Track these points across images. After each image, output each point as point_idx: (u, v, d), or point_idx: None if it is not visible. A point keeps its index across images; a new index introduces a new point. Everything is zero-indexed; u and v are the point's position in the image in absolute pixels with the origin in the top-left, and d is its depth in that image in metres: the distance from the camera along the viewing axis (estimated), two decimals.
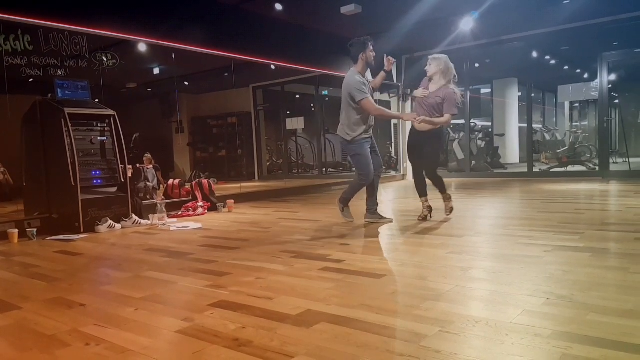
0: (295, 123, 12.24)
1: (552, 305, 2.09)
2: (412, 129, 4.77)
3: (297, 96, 13.17)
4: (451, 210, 4.92)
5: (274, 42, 8.02)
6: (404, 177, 11.23)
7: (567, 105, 16.81)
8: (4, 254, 3.98)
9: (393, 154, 12.23)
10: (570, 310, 2.01)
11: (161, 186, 7.84)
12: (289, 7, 7.49)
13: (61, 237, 4.63)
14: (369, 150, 4.59)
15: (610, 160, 9.94)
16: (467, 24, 8.32)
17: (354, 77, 4.43)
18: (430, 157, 4.79)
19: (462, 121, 11.51)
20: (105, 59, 6.01)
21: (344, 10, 7.55)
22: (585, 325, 1.84)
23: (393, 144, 12.37)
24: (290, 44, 8.24)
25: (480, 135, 12.08)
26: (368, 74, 4.61)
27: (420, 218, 4.77)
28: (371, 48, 4.50)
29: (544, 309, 2.05)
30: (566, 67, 12.66)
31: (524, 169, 10.46)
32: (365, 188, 4.74)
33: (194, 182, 6.61)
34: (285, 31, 8.16)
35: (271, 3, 7.32)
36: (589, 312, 1.98)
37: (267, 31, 7.86)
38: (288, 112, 12.56)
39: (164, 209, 5.45)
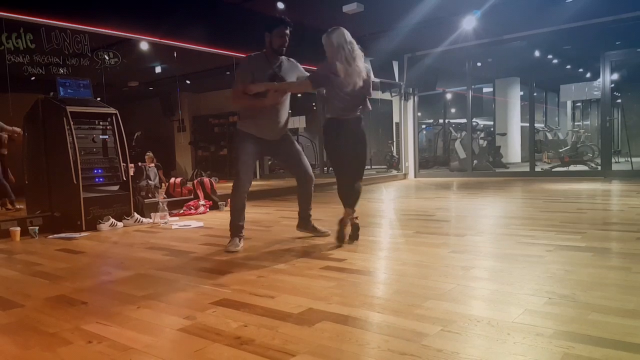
0: (297, 122, 12.23)
1: (554, 304, 2.09)
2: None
3: (299, 95, 13.16)
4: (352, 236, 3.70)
5: None
6: (405, 176, 11.23)
7: (569, 104, 16.79)
8: (6, 252, 3.99)
9: (394, 153, 12.22)
10: (572, 310, 2.01)
11: (163, 185, 7.85)
12: (290, 5, 7.49)
13: (63, 235, 4.64)
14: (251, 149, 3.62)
15: (613, 160, 9.92)
16: (469, 22, 8.31)
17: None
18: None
19: (464, 120, 11.51)
20: (107, 58, 6.01)
21: (346, 9, 7.54)
22: (587, 325, 1.84)
23: (394, 143, 12.37)
24: (291, 42, 8.23)
25: (482, 135, 12.08)
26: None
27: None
28: (283, 32, 3.56)
29: (545, 308, 2.05)
30: (568, 67, 12.64)
31: (526, 168, 10.44)
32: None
33: (195, 181, 6.62)
34: None
35: (273, 1, 7.32)
36: (591, 312, 1.97)
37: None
38: (289, 111, 12.54)
39: (166, 208, 5.46)
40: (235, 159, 3.68)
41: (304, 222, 3.99)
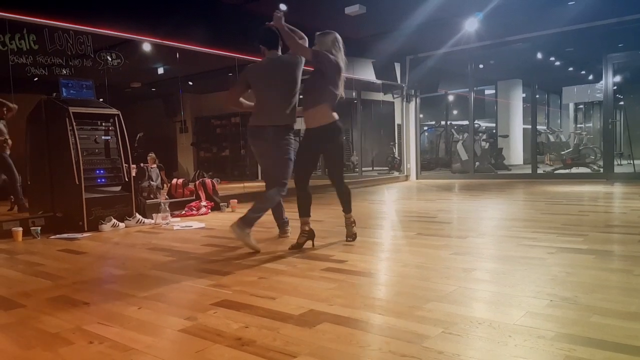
0: (298, 123, 12.23)
1: (555, 307, 2.08)
2: (306, 128, 3.79)
3: (301, 96, 13.17)
4: (354, 236, 3.79)
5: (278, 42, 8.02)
6: (407, 177, 11.22)
7: (571, 106, 16.77)
8: (9, 252, 4.00)
9: (396, 155, 12.23)
10: (573, 312, 2.01)
11: (165, 185, 7.86)
12: (293, 7, 7.50)
13: (65, 235, 4.64)
14: None
15: (615, 162, 9.90)
16: (471, 24, 8.30)
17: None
18: (338, 160, 3.77)
19: (466, 122, 11.50)
20: (109, 59, 6.02)
21: (348, 10, 7.54)
22: (588, 328, 1.83)
23: (396, 145, 12.37)
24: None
25: (484, 137, 12.06)
26: None
27: (294, 247, 3.59)
28: None
29: (547, 310, 2.04)
30: (571, 69, 12.63)
31: (528, 170, 10.43)
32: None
33: (197, 182, 6.62)
34: None
35: (275, 3, 7.32)
36: (592, 314, 1.97)
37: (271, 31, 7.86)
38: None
39: (168, 208, 5.46)
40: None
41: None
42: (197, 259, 3.44)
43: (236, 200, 6.52)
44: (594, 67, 11.10)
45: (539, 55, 10.23)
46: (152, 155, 8.59)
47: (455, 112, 16.36)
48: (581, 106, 16.41)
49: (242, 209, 6.44)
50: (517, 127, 14.91)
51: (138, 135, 9.86)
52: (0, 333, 2.06)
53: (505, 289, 2.38)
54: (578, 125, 16.53)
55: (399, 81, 10.91)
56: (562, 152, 11.23)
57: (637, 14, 8.12)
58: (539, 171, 10.21)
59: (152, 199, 6.41)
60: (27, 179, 5.52)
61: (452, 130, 12.87)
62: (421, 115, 11.76)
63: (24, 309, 2.38)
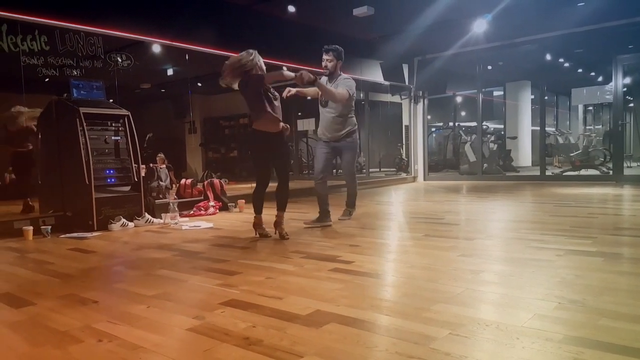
0: (307, 124, 12.25)
1: (563, 309, 2.08)
2: (259, 131, 4.44)
3: (309, 97, 13.16)
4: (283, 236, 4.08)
5: (286, 43, 8.03)
6: (414, 179, 11.20)
7: (580, 108, 16.65)
8: (19, 250, 4.04)
9: (404, 156, 12.20)
10: (582, 315, 2.00)
11: (173, 186, 7.90)
12: (301, 8, 7.52)
13: (75, 234, 4.68)
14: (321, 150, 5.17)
15: (624, 164, 9.82)
16: (480, 26, 8.27)
17: None
18: (287, 162, 4.59)
19: (474, 123, 11.46)
20: (119, 60, 6.07)
21: (356, 12, 7.55)
22: (597, 330, 1.83)
23: (404, 146, 12.34)
24: (302, 45, 8.26)
25: (493, 138, 12.00)
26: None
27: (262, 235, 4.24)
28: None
29: (555, 313, 2.04)
30: (580, 70, 12.54)
31: (537, 172, 10.36)
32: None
33: (205, 182, 6.65)
34: (297, 32, 8.17)
35: (284, 4, 7.35)
36: (600, 317, 1.96)
37: (280, 32, 7.87)
38: (299, 114, 12.58)
39: (176, 208, 5.49)
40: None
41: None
42: (205, 258, 3.46)
43: (244, 201, 6.54)
44: (604, 69, 11.01)
45: (548, 57, 10.16)
46: (161, 155, 8.65)
47: (463, 113, 16.29)
48: (590, 108, 16.28)
49: (250, 210, 6.45)
50: (525, 128, 14.82)
51: (147, 136, 9.92)
52: (11, 331, 2.09)
53: (513, 291, 2.37)
54: (587, 127, 16.40)
55: (406, 82, 10.89)
56: (571, 154, 11.16)
57: None
58: (548, 173, 10.14)
59: (161, 199, 6.44)
60: (38, 179, 5.57)
61: (460, 131, 12.81)
62: (429, 117, 11.74)
63: (34, 307, 2.41)
